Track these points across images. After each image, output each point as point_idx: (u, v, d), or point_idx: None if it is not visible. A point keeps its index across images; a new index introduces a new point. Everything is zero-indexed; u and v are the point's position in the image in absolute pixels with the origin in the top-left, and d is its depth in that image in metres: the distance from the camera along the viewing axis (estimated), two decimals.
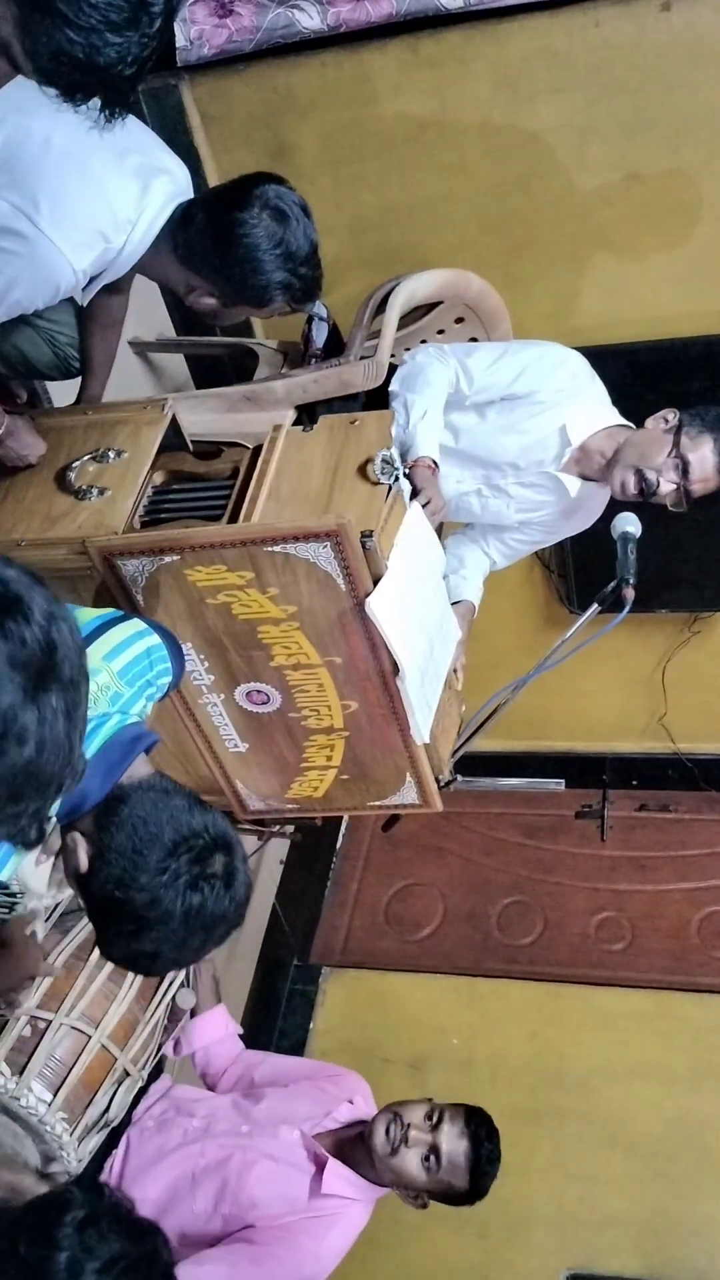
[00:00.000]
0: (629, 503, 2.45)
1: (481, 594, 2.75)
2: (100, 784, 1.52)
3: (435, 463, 2.32)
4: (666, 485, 2.38)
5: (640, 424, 2.48)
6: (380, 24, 2.79)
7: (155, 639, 1.73)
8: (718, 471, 2.39)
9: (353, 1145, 2.18)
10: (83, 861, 1.46)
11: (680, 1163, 3.46)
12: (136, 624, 1.72)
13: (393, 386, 2.48)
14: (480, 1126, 2.16)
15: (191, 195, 1.99)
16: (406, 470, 2.23)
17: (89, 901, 1.49)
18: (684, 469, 2.37)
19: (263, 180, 1.95)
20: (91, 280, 1.97)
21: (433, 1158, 2.12)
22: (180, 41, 2.85)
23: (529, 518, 2.65)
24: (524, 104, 2.93)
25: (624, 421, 2.52)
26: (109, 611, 1.74)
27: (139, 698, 1.67)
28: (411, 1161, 2.12)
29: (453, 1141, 2.13)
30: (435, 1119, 2.16)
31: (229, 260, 1.92)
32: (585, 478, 2.53)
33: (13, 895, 1.99)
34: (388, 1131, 2.14)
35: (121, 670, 1.64)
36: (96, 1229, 1.28)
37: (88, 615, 1.70)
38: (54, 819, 1.61)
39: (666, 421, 2.42)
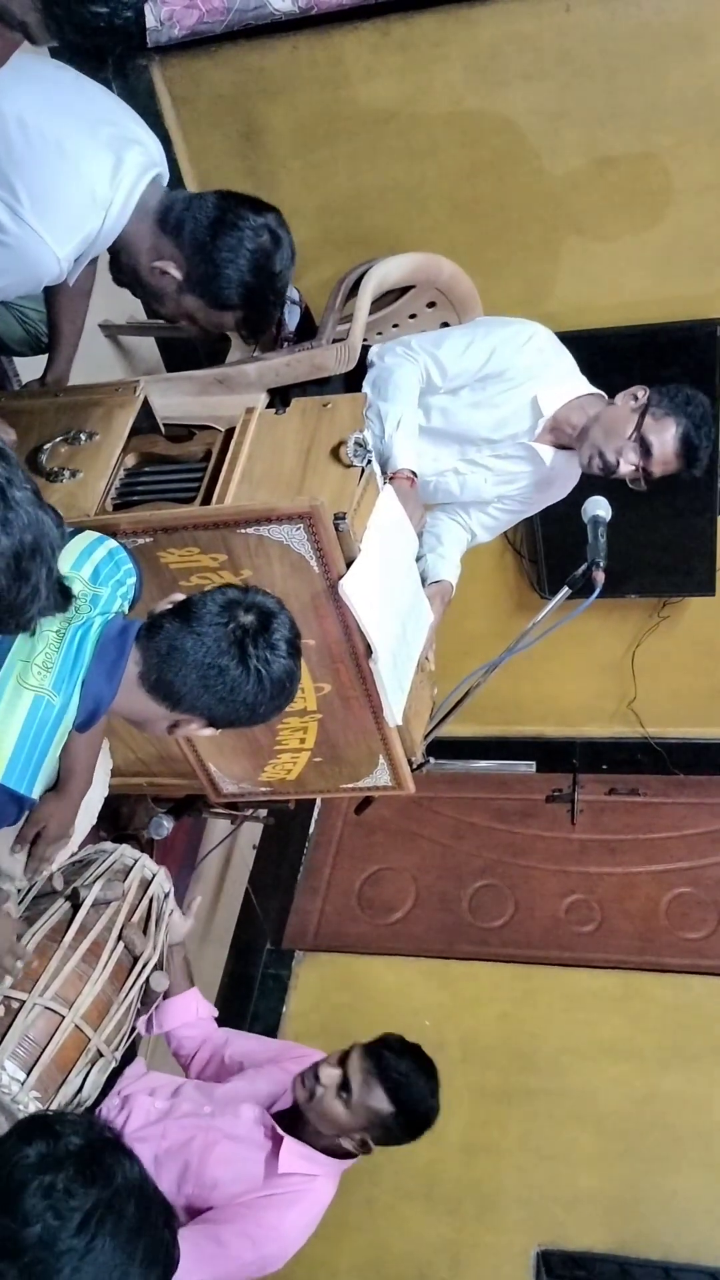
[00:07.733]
0: (599, 481, 2.48)
1: (459, 572, 2.76)
2: (108, 683, 1.61)
3: (414, 474, 2.34)
4: (626, 466, 2.42)
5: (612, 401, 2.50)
6: (352, 7, 2.79)
7: (112, 542, 1.79)
8: (677, 455, 2.42)
9: (308, 1121, 2.19)
10: (203, 730, 1.69)
11: (648, 1140, 3.52)
12: (90, 534, 1.79)
13: (365, 390, 2.48)
14: (386, 1047, 2.17)
15: (164, 165, 1.97)
16: (386, 481, 2.24)
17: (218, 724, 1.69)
18: (645, 450, 2.40)
19: (278, 211, 2.00)
20: (74, 264, 1.94)
21: (344, 1090, 2.12)
22: (151, 22, 2.83)
23: (506, 490, 2.68)
24: (495, 89, 2.94)
25: (595, 390, 2.55)
26: None
27: (115, 597, 1.73)
28: (328, 1100, 2.12)
29: (357, 1067, 2.13)
30: (344, 1057, 2.17)
31: (215, 241, 1.91)
32: (559, 446, 2.56)
33: None
34: (303, 1081, 2.16)
35: (92, 574, 1.71)
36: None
37: None
38: (29, 799, 1.62)
39: (636, 399, 2.44)
